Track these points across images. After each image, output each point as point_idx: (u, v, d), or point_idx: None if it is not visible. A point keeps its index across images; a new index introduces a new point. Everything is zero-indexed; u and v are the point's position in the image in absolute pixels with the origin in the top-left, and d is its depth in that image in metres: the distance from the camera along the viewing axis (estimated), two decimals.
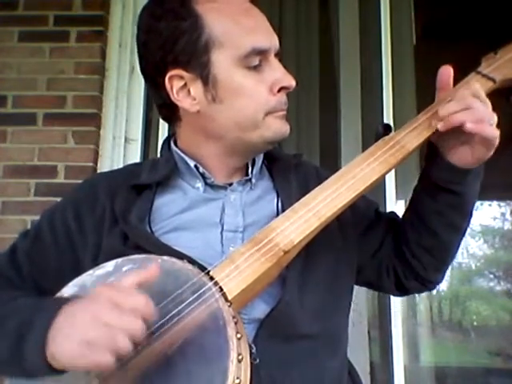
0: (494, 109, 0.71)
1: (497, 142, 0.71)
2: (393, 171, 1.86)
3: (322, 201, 0.71)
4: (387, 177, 1.86)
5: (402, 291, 0.90)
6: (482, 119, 0.69)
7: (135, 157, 1.90)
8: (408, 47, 2.10)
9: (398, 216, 0.92)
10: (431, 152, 0.78)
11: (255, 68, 0.74)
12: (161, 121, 1.92)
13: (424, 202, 0.81)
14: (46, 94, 1.86)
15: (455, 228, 0.81)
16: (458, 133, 0.71)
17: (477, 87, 0.72)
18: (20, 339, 0.61)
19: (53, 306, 0.61)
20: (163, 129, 1.93)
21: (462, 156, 0.74)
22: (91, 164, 1.80)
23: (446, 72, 0.76)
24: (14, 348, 0.61)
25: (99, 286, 0.62)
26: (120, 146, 1.89)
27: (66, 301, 0.61)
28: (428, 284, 0.88)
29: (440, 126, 0.72)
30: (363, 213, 0.89)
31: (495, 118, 0.71)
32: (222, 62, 0.73)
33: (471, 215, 0.82)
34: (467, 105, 0.70)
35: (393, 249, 0.87)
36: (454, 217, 0.80)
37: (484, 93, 0.72)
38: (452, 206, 0.78)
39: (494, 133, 0.70)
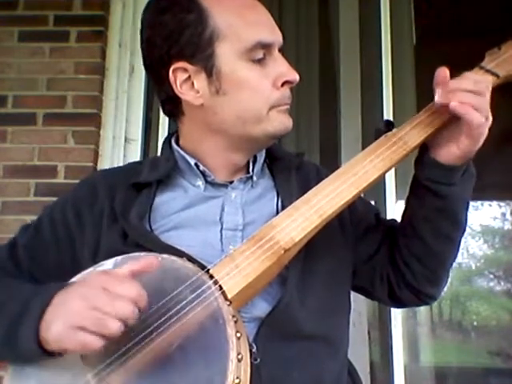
0: (493, 108, 0.70)
1: (483, 132, 0.69)
2: (393, 171, 1.86)
3: (324, 198, 0.70)
4: (387, 177, 1.85)
5: (395, 302, 0.88)
6: (479, 107, 0.67)
7: (135, 157, 1.90)
8: (408, 47, 2.10)
9: (397, 222, 0.90)
10: (421, 153, 0.77)
11: (259, 61, 0.74)
12: (161, 121, 1.93)
13: (412, 206, 0.80)
14: (45, 93, 1.86)
15: (444, 236, 0.79)
16: (447, 128, 0.70)
17: (489, 79, 0.72)
18: (15, 324, 0.62)
19: (48, 290, 0.62)
20: (163, 129, 1.93)
21: (448, 151, 0.72)
22: (91, 164, 1.80)
23: (443, 71, 0.72)
24: (9, 332, 0.63)
25: (95, 272, 0.63)
26: (120, 146, 1.89)
27: (60, 286, 0.63)
28: (422, 296, 0.85)
29: (437, 97, 0.70)
30: (362, 216, 0.88)
31: (489, 114, 0.69)
32: (226, 55, 0.73)
33: (463, 226, 0.79)
34: (478, 88, 0.68)
35: (388, 255, 0.85)
36: (442, 223, 0.77)
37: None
38: (439, 210, 0.76)
39: (480, 120, 0.68)
